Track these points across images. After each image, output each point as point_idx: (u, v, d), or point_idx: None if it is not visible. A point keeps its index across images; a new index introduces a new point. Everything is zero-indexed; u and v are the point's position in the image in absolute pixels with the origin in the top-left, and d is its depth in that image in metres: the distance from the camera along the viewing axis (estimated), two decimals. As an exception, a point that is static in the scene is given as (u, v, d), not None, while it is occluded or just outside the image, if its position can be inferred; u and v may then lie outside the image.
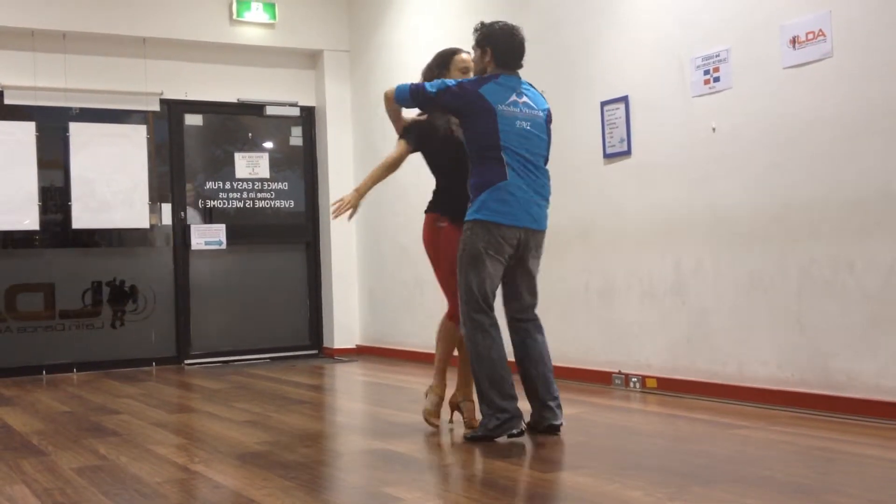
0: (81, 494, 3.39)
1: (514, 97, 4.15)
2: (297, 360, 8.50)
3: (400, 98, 4.28)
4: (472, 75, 4.36)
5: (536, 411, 4.27)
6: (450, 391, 4.53)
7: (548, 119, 4.30)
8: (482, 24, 4.33)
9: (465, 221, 4.15)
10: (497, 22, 4.33)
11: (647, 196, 5.57)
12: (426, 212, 4.56)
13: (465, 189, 4.29)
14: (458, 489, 3.36)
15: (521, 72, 4.37)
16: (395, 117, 4.49)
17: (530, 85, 4.32)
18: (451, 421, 4.56)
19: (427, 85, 4.21)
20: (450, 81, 4.20)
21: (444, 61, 4.52)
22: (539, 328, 4.30)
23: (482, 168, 4.13)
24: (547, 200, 4.26)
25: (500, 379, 4.05)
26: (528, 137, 4.16)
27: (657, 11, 5.49)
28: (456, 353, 4.56)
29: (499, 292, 4.28)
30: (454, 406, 4.54)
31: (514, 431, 4.02)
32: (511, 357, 4.22)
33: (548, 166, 4.30)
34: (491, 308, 4.15)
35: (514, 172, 4.10)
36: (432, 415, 4.49)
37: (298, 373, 7.46)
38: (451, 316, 4.46)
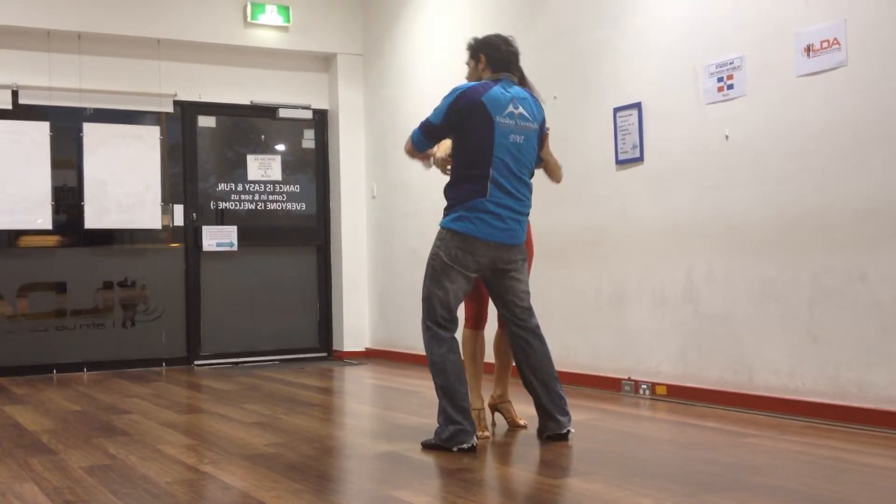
0: (91, 493, 3.40)
1: (511, 108, 4.10)
2: (306, 362, 8.51)
3: (417, 144, 4.22)
4: None
5: (541, 420, 4.28)
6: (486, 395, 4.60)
7: (541, 127, 4.26)
8: (475, 38, 4.35)
9: (440, 227, 4.15)
10: (486, 35, 4.35)
11: (659, 203, 5.56)
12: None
13: None
14: (466, 494, 3.35)
15: (533, 77, 4.37)
16: (421, 158, 4.43)
17: (528, 93, 4.26)
18: (493, 423, 4.64)
19: (430, 117, 4.15)
20: (449, 97, 4.12)
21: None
22: (537, 336, 4.27)
23: (464, 180, 4.10)
24: (525, 215, 4.21)
25: (453, 390, 4.03)
26: (518, 152, 4.12)
27: (671, 18, 5.49)
28: (492, 355, 4.63)
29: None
30: (493, 408, 4.65)
31: (465, 446, 3.97)
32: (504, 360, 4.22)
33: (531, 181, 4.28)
34: (451, 321, 4.13)
35: (495, 187, 4.06)
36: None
37: (308, 375, 7.46)
38: (501, 326, 4.51)
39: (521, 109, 4.14)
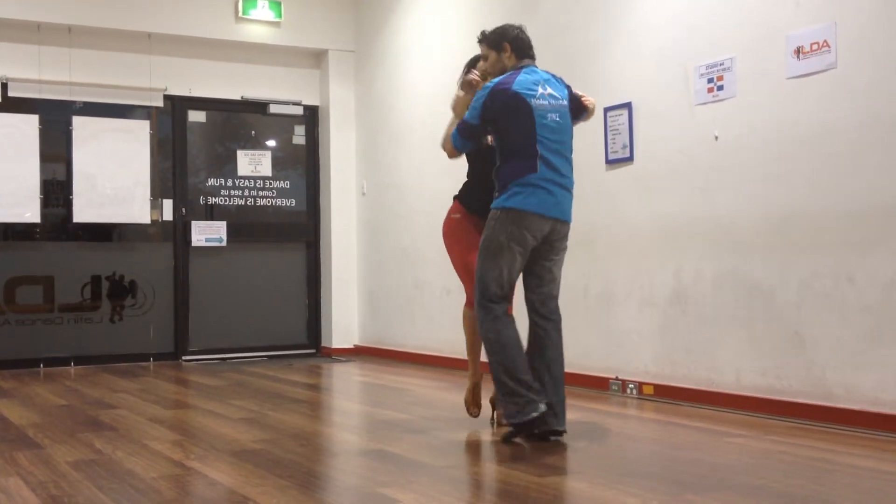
0: (76, 488, 3.39)
1: (541, 89, 4.19)
2: (294, 358, 8.50)
3: (457, 144, 4.29)
4: (489, 80, 4.35)
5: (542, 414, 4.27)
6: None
7: (570, 103, 4.31)
8: (484, 33, 4.44)
9: (492, 209, 4.19)
10: (501, 26, 4.42)
11: (648, 203, 5.57)
12: (454, 197, 4.69)
13: (482, 184, 4.41)
14: (453, 491, 3.35)
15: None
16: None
17: (550, 74, 4.35)
18: (492, 420, 4.66)
19: (467, 117, 4.24)
20: (481, 96, 4.19)
21: (467, 70, 4.62)
22: (558, 329, 4.29)
23: (513, 161, 4.15)
24: (571, 191, 4.28)
25: (513, 364, 4.07)
26: (557, 130, 4.19)
27: (663, 19, 5.49)
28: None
29: (520, 283, 4.32)
30: (493, 403, 4.67)
31: (535, 414, 4.02)
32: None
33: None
34: (506, 299, 4.19)
35: (544, 164, 4.13)
36: (468, 403, 4.65)
37: (296, 372, 7.46)
38: (469, 304, 4.56)
39: (549, 90, 4.23)
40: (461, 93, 4.46)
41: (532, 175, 4.11)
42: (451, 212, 4.65)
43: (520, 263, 4.18)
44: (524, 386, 4.06)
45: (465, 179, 4.71)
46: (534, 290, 4.28)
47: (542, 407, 4.04)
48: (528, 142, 4.13)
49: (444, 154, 4.49)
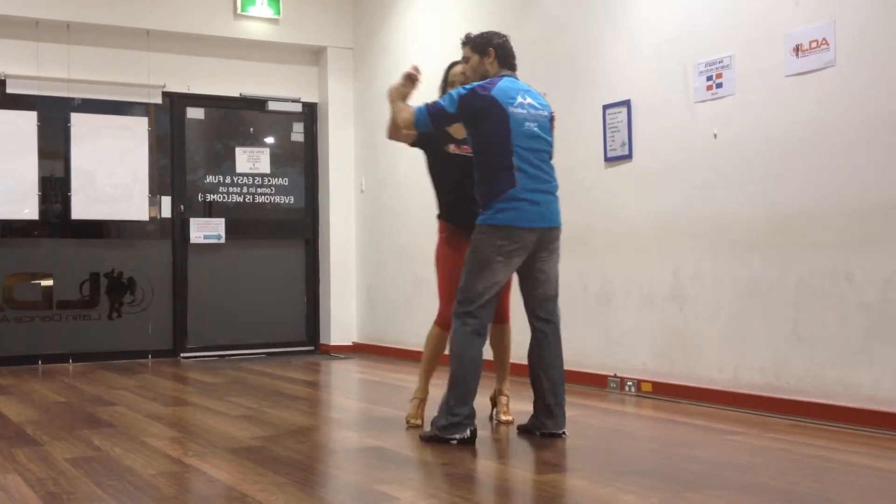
0: (74, 485, 3.39)
1: (520, 98, 4.17)
2: (293, 356, 8.50)
3: (421, 122, 4.20)
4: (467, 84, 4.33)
5: (539, 417, 4.26)
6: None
7: (551, 119, 4.30)
8: (469, 35, 4.40)
9: (478, 225, 4.16)
10: (486, 31, 4.39)
11: (647, 201, 5.57)
12: (437, 216, 4.66)
13: (456, 194, 4.43)
14: (451, 488, 3.36)
15: (523, 73, 4.39)
16: (402, 137, 4.50)
17: (529, 87, 4.32)
18: (491, 417, 4.68)
19: (441, 102, 4.17)
20: (461, 90, 4.16)
21: (445, 74, 4.63)
22: (557, 332, 4.28)
23: (492, 176, 4.12)
24: (556, 196, 4.25)
25: (464, 382, 4.06)
26: (535, 138, 4.17)
27: (661, 16, 5.49)
28: (489, 348, 4.60)
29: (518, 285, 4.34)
30: (493, 401, 4.69)
31: (457, 437, 4.02)
32: (523, 359, 4.24)
33: (553, 162, 4.30)
34: (484, 311, 4.13)
35: (523, 175, 4.10)
36: (410, 416, 4.57)
37: (294, 369, 7.46)
38: (438, 322, 4.52)
39: (529, 100, 4.21)
40: (400, 83, 4.35)
41: (512, 190, 4.08)
42: (438, 231, 4.61)
43: (503, 277, 4.16)
44: (466, 407, 4.05)
45: (440, 203, 4.64)
46: (531, 294, 4.27)
47: (468, 434, 4.04)
48: (504, 152, 4.09)
49: (386, 135, 4.46)
